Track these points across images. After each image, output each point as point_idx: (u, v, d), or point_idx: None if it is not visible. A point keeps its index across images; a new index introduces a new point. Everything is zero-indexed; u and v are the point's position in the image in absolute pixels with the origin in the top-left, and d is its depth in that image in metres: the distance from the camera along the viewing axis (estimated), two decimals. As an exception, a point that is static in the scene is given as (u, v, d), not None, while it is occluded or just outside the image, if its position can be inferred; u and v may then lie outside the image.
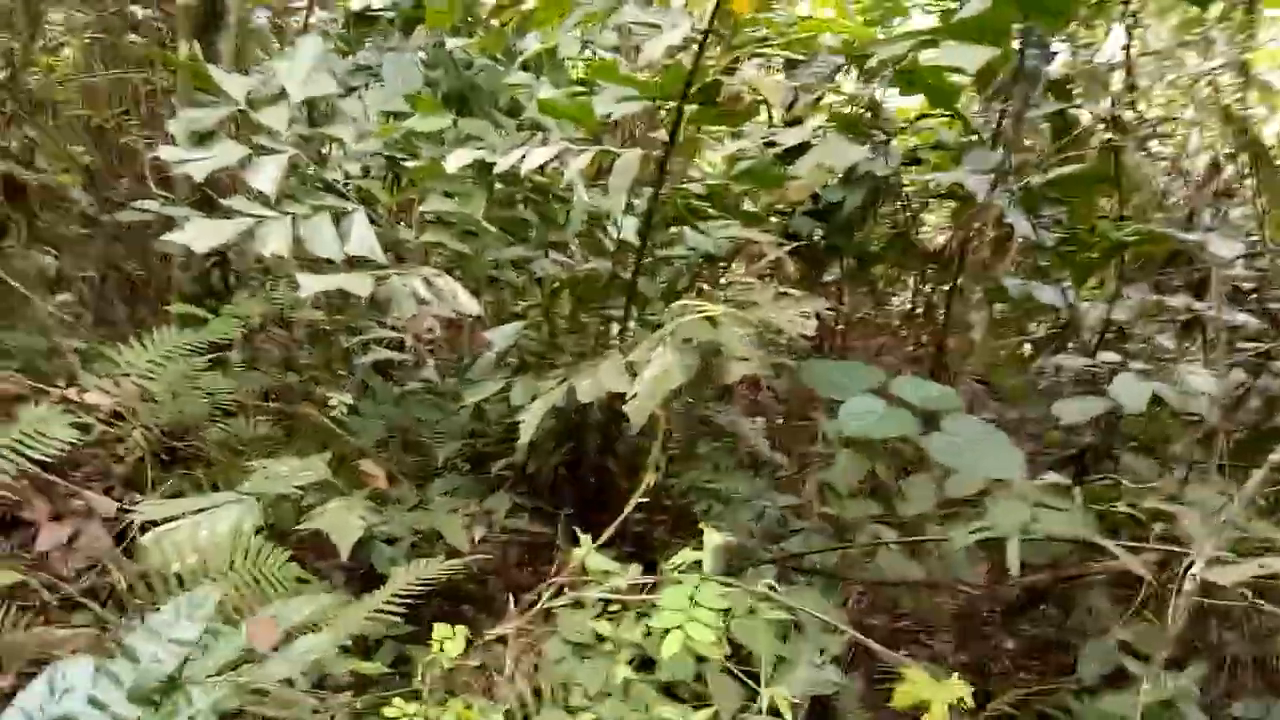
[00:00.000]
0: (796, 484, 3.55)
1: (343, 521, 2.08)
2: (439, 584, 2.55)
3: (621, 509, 3.21)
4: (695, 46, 1.81)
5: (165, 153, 2.21)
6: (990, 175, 3.14)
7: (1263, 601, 2.02)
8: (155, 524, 2.11)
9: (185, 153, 2.20)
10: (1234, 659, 2.80)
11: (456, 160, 2.06)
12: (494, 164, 2.27)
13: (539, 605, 1.66)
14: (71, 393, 2.78)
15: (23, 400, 2.76)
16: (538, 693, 1.87)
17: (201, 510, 2.11)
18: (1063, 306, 3.48)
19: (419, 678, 1.51)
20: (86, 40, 4.88)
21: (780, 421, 4.32)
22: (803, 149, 2.68)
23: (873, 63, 2.53)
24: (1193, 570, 1.85)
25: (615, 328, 2.38)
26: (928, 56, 2.60)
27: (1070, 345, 3.70)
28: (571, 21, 2.24)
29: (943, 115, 3.74)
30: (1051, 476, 2.44)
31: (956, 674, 3.22)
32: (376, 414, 2.92)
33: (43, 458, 2.18)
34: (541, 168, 2.15)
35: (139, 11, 4.99)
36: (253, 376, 3.86)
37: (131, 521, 2.34)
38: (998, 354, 4.93)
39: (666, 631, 1.25)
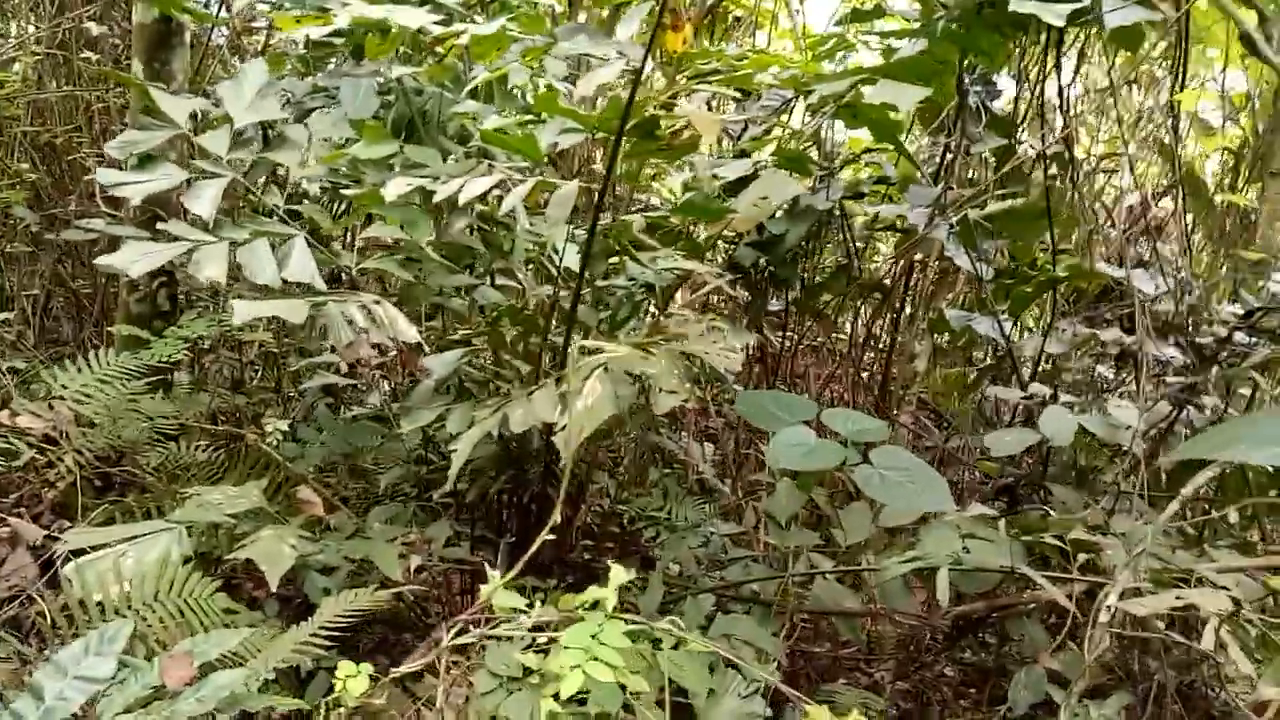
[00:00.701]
0: (741, 512, 3.59)
1: (273, 550, 2.06)
2: (378, 613, 2.54)
3: (566, 537, 3.23)
4: (633, 81, 1.85)
5: (102, 175, 2.20)
6: (929, 209, 3.22)
7: (1174, 634, 2.07)
8: (81, 552, 2.08)
9: (123, 175, 2.19)
10: (1160, 688, 2.86)
11: (395, 188, 2.07)
12: (439, 194, 2.29)
13: (444, 643, 1.66)
14: (3, 416, 2.74)
15: (-50, 424, 2.71)
16: (466, 725, 1.86)
17: (129, 539, 2.08)
18: (999, 338, 3.56)
19: (321, 717, 1.50)
20: (37, 55, 4.83)
21: (731, 449, 4.35)
22: (746, 182, 2.74)
23: (814, 99, 2.59)
24: (1108, 602, 1.89)
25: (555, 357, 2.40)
26: (869, 93, 2.67)
27: (1008, 376, 3.79)
28: (512, 55, 2.27)
29: (887, 149, 3.83)
30: (976, 508, 2.48)
31: (894, 702, 3.27)
32: (316, 439, 2.90)
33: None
34: (484, 197, 2.17)
35: (94, 28, 4.95)
36: (199, 400, 3.83)
37: (58, 550, 2.30)
38: (944, 383, 5.03)
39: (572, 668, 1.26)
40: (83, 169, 4.88)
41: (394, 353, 3.35)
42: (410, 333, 2.27)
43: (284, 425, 2.50)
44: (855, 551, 2.96)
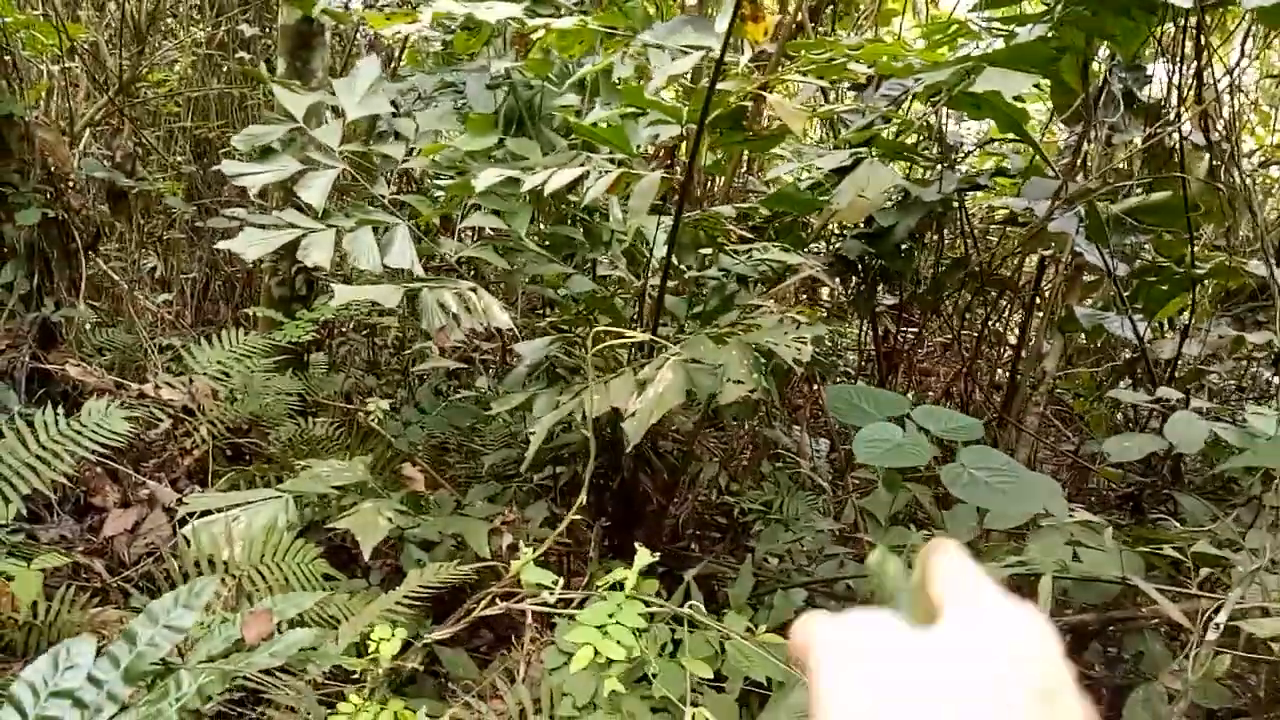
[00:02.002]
0: (837, 509, 3.52)
1: (369, 521, 2.17)
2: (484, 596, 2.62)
3: (659, 524, 3.25)
4: (716, 70, 1.83)
5: (226, 167, 2.36)
6: (1050, 202, 3.05)
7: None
8: (203, 515, 2.26)
9: (243, 166, 2.34)
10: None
11: (486, 178, 2.14)
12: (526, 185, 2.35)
13: (474, 614, 1.71)
14: (148, 389, 2.98)
15: (104, 394, 2.98)
16: (537, 702, 1.91)
17: (242, 504, 2.23)
18: (1132, 339, 3.34)
19: (363, 676, 1.57)
20: (196, 56, 5.22)
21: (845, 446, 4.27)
22: (847, 173, 2.67)
23: (918, 88, 2.50)
24: (1217, 619, 1.76)
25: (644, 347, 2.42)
26: (977, 82, 2.56)
27: (1146, 379, 3.55)
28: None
29: (1014, 140, 3.66)
30: (1084, 515, 2.35)
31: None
32: (418, 419, 3.03)
33: (98, 449, 2.34)
34: (573, 188, 2.20)
35: (248, 29, 5.32)
36: (334, 380, 4.07)
37: (181, 512, 2.50)
38: (1078, 384, 4.76)
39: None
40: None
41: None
42: (503, 319, 2.33)
43: (385, 405, 2.62)
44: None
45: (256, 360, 3.24)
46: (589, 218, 2.94)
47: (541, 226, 2.78)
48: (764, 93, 2.03)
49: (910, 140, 3.07)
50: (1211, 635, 1.76)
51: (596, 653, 1.27)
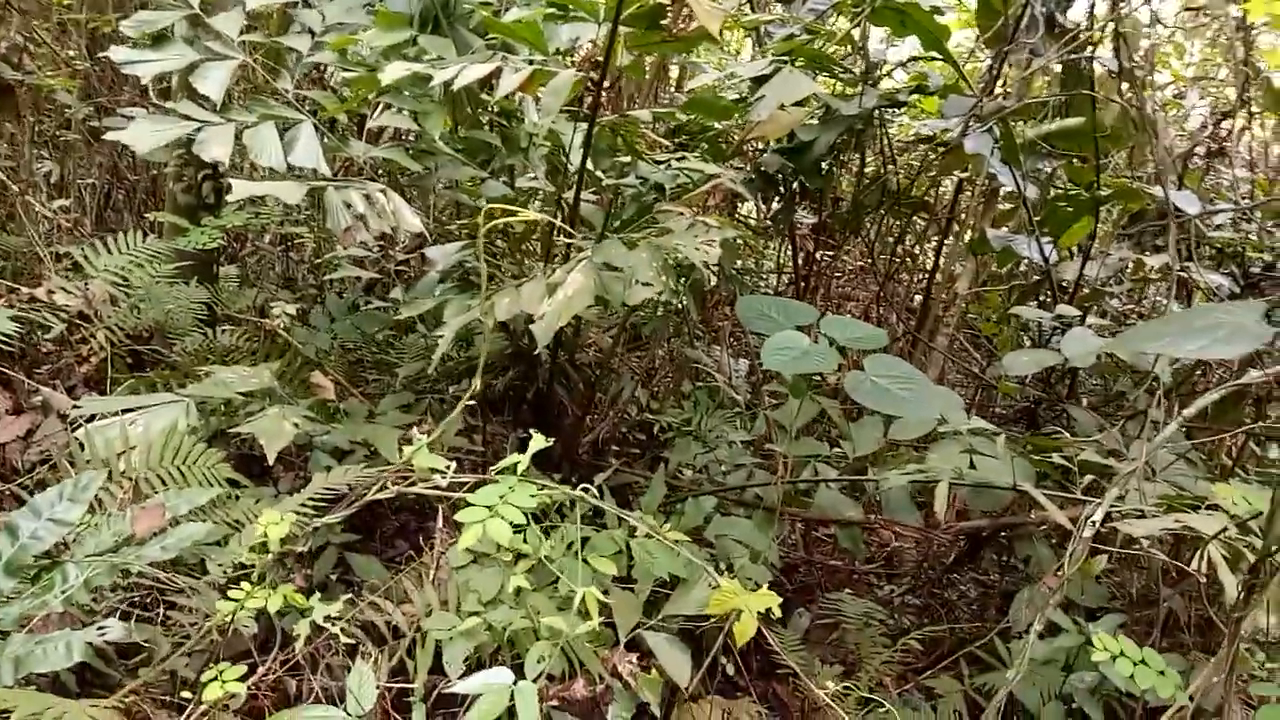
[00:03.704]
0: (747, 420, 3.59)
1: (274, 427, 2.13)
2: (401, 501, 2.60)
3: (575, 436, 3.28)
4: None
5: (115, 53, 2.23)
6: (968, 122, 3.09)
7: (1158, 553, 2.03)
8: (97, 419, 2.19)
9: (135, 54, 2.21)
10: (1171, 614, 2.81)
11: (393, 72, 2.06)
12: (447, 81, 2.27)
13: (364, 500, 1.71)
14: (39, 292, 2.85)
15: (-9, 297, 2.83)
16: (445, 603, 1.94)
17: (138, 409, 2.17)
18: (1040, 261, 3.44)
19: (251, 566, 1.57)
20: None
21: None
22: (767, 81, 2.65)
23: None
24: (1093, 517, 1.86)
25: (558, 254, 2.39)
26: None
27: (1049, 300, 3.67)
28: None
29: (934, 58, 3.67)
30: (981, 424, 2.44)
31: (903, 614, 3.27)
32: (327, 327, 2.97)
33: (-13, 349, 2.23)
34: (484, 86, 2.14)
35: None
36: (246, 294, 3.94)
37: (75, 416, 2.42)
38: (985, 306, 4.90)
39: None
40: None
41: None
42: (413, 222, 2.28)
43: (292, 309, 2.55)
44: (865, 464, 2.95)
45: (159, 266, 3.10)
46: (506, 123, 2.87)
47: (458, 131, 2.70)
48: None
49: (833, 54, 3.05)
50: (1087, 533, 1.86)
51: (485, 532, 1.28)
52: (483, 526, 1.28)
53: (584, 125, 2.44)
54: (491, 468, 1.48)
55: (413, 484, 1.56)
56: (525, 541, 1.79)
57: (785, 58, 2.53)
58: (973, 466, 2.60)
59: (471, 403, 1.88)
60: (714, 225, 1.87)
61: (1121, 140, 3.78)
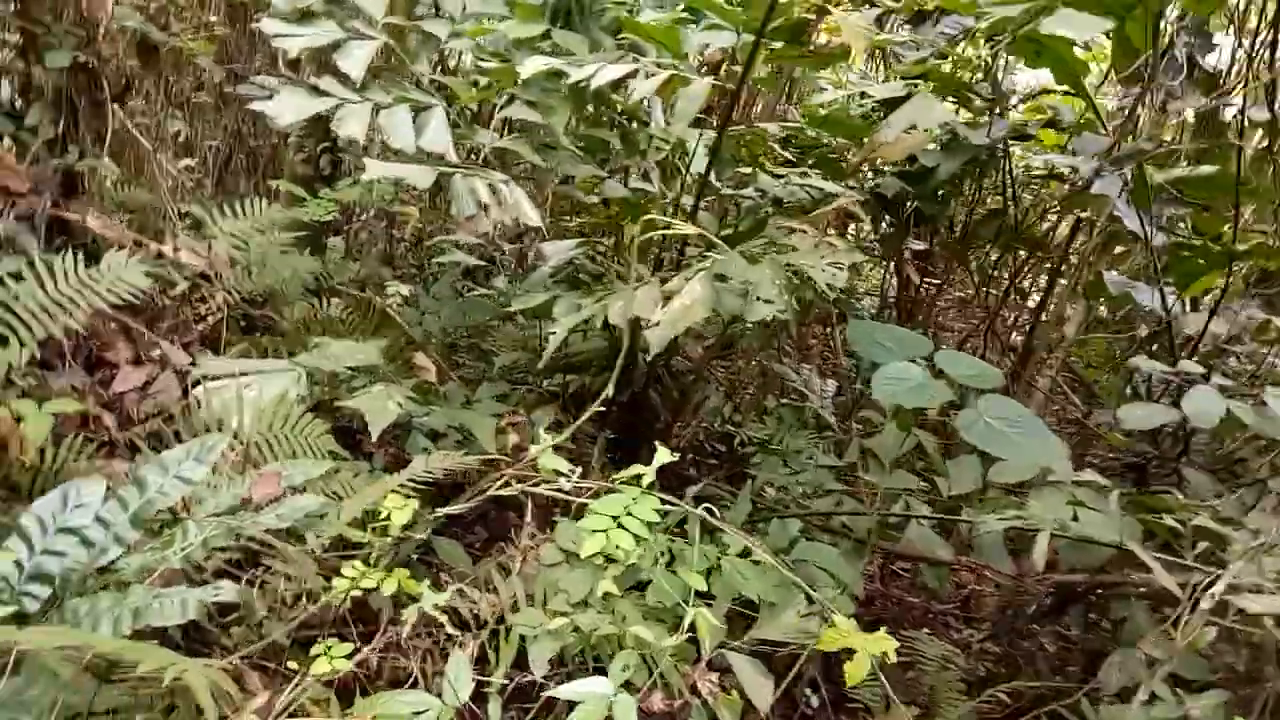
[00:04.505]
0: (841, 447, 3.52)
1: (379, 405, 2.17)
2: (486, 488, 2.63)
3: (663, 443, 3.26)
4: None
5: (266, 25, 2.29)
6: (1099, 162, 2.97)
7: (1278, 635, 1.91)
8: (212, 379, 2.26)
9: (285, 27, 2.28)
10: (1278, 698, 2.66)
11: (530, 66, 2.07)
12: (579, 79, 2.29)
13: (488, 492, 1.71)
14: (166, 249, 2.96)
15: (122, 249, 2.95)
16: (531, 597, 1.94)
17: (254, 373, 2.23)
18: (1160, 311, 3.29)
19: (364, 548, 1.59)
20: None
21: (853, 386, 4.26)
22: (897, 106, 2.60)
23: (982, 25, 2.41)
24: (1212, 590, 1.76)
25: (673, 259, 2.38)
26: (1045, 25, 2.46)
27: (1166, 354, 3.51)
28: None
29: (1068, 93, 3.55)
30: (1092, 476, 2.34)
31: (982, 663, 3.18)
32: (434, 309, 3.01)
33: (115, 300, 2.33)
34: (617, 87, 2.14)
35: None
36: (349, 266, 4.04)
37: (193, 374, 2.50)
38: (1093, 353, 4.72)
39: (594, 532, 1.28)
40: (269, 31, 5.13)
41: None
42: (533, 215, 2.29)
43: (405, 290, 2.60)
44: (958, 504, 2.86)
45: (276, 234, 3.20)
46: (626, 123, 2.88)
47: (578, 127, 2.71)
48: (828, 7, 1.95)
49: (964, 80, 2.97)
50: (1206, 604, 1.77)
51: (608, 541, 1.27)
52: (606, 536, 1.28)
53: (708, 134, 2.42)
54: (614, 476, 1.47)
55: (536, 484, 1.56)
56: (617, 547, 1.78)
57: (917, 80, 2.47)
58: (1075, 519, 2.50)
59: (594, 408, 1.88)
60: (841, 247, 1.83)
61: (1260, 193, 3.60)
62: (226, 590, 1.29)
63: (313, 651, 1.36)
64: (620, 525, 1.28)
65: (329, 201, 3.65)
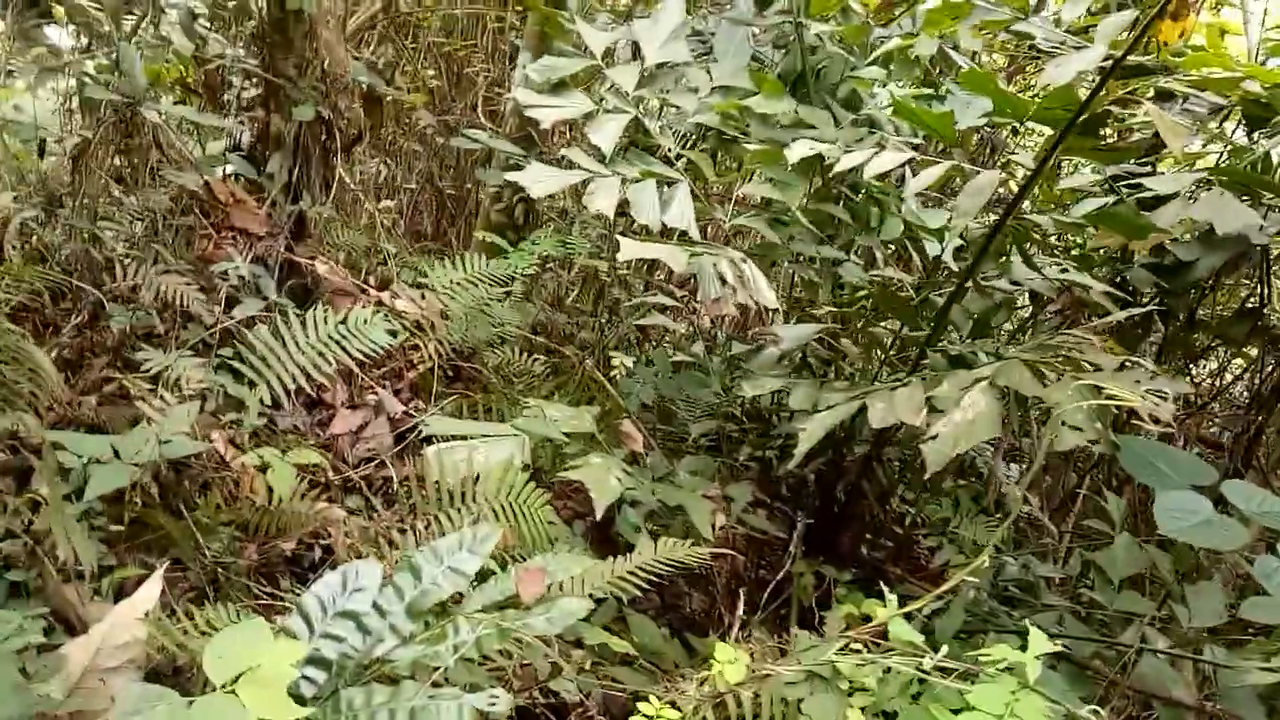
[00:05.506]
0: (1056, 553, 3.26)
1: (602, 479, 2.11)
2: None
3: (862, 531, 3.10)
4: (1112, 69, 1.61)
5: (521, 95, 2.31)
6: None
7: None
8: (437, 439, 2.25)
9: (539, 98, 2.28)
10: None
11: (798, 151, 2.00)
12: (822, 156, 2.20)
13: (825, 656, 1.59)
14: (385, 297, 3.03)
15: (348, 295, 3.04)
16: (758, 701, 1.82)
17: (481, 436, 2.21)
18: None
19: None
20: (454, -29, 5.25)
21: (1063, 481, 3.97)
22: (1167, 198, 2.39)
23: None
24: None
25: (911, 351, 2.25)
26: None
27: None
28: (966, 25, 2.08)
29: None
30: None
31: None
32: (649, 379, 2.96)
33: (360, 358, 2.37)
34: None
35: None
36: (527, 309, 4.07)
37: (413, 426, 2.52)
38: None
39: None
40: (471, 81, 5.31)
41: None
42: (769, 296, 2.21)
43: (629, 362, 2.55)
44: (1199, 637, 2.57)
45: (486, 286, 3.24)
46: (853, 196, 2.77)
47: (806, 203, 2.62)
48: (1135, 98, 1.79)
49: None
50: None
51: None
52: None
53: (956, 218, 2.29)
54: (980, 657, 1.34)
55: (887, 653, 1.45)
56: (864, 669, 1.65)
57: (1203, 172, 2.26)
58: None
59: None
60: (1154, 371, 1.65)
61: None
62: (502, 701, 1.23)
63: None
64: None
65: (529, 253, 3.68)
